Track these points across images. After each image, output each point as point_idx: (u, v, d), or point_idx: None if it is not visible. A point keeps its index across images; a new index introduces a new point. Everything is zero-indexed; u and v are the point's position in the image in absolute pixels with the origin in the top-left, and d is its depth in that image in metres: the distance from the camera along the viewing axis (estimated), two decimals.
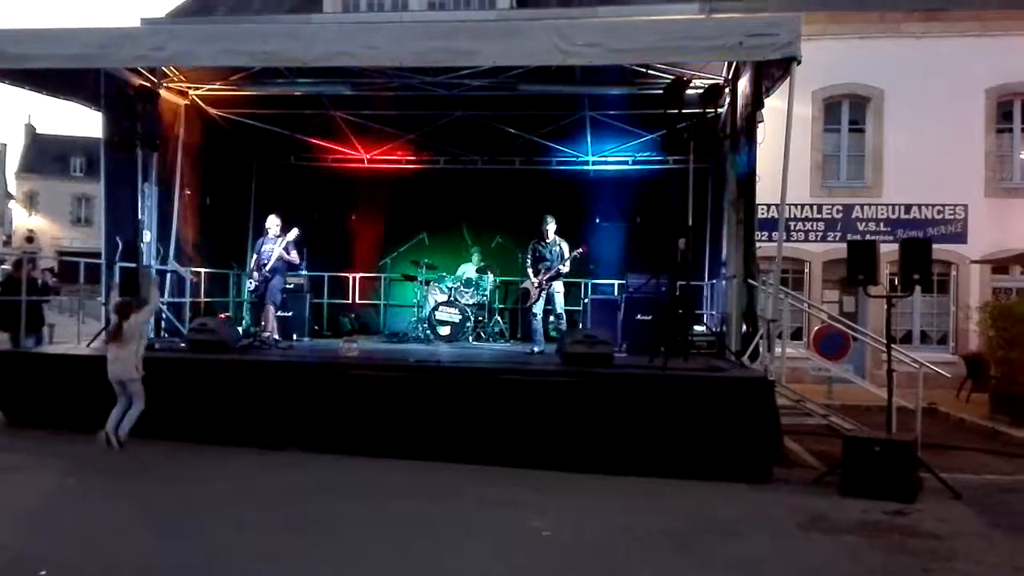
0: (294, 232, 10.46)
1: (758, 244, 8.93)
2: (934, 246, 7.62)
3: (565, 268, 10.39)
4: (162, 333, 10.67)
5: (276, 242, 10.44)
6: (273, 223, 10.61)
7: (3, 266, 11.90)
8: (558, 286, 10.48)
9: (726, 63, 9.41)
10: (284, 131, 12.57)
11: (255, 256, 10.71)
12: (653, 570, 4.89)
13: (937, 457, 7.67)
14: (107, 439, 6.91)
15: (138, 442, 6.98)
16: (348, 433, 7.77)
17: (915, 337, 15.20)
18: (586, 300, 12.18)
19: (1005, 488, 7.25)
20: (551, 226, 10.43)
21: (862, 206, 15.10)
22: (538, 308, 10.47)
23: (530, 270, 10.57)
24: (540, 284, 10.38)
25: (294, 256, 10.58)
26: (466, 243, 13.07)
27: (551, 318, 10.78)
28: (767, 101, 8.58)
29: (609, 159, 13.10)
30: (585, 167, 13.19)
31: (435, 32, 7.92)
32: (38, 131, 51.77)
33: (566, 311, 10.89)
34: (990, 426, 10.58)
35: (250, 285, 10.82)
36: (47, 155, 49.67)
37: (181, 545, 5.06)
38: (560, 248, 10.38)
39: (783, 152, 7.30)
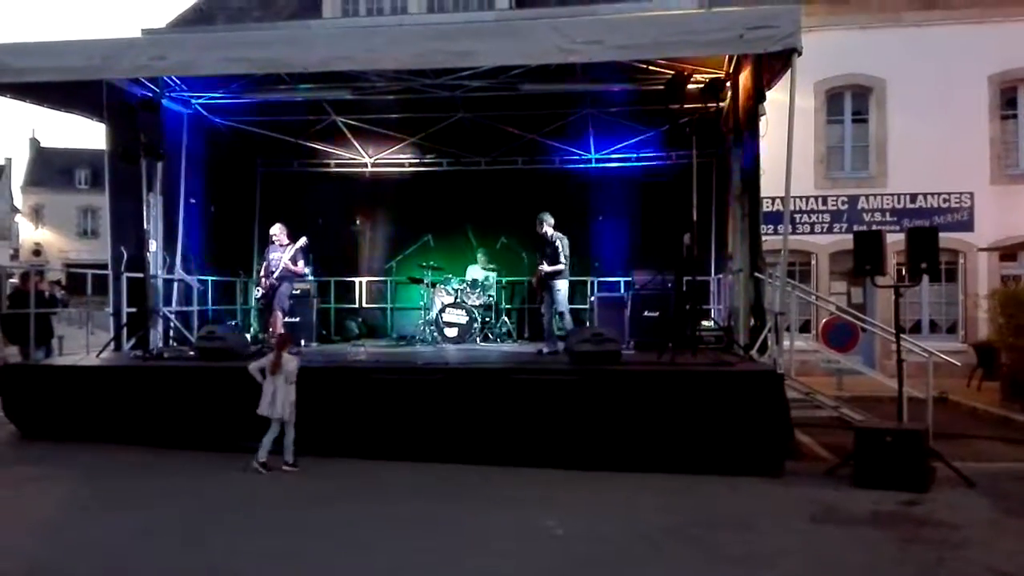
0: (302, 240, 10.49)
1: (764, 237, 8.90)
2: (941, 234, 7.62)
3: (549, 268, 9.88)
4: (170, 342, 10.70)
5: (283, 251, 10.47)
6: (277, 232, 10.65)
7: (11, 280, 11.91)
8: (559, 284, 10.03)
9: (727, 57, 9.39)
10: (287, 137, 12.63)
11: (264, 263, 10.75)
12: (667, 566, 4.89)
13: (949, 446, 7.62)
14: (258, 467, 6.95)
15: (148, 451, 7.01)
16: (356, 437, 7.78)
17: (924, 326, 15.15)
18: (592, 298, 12.16)
19: (1018, 476, 7.23)
20: (543, 222, 10.06)
21: (867, 197, 15.07)
22: (544, 307, 10.37)
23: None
24: (535, 283, 10.30)
25: (300, 267, 10.62)
26: (471, 244, 13.08)
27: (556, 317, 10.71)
28: (769, 94, 8.58)
29: (612, 156, 13.08)
30: (588, 165, 13.18)
31: (435, 33, 7.93)
32: (43, 144, 52.07)
33: (574, 309, 10.78)
34: (1002, 414, 10.54)
35: (257, 292, 10.86)
36: (52, 168, 49.97)
37: (192, 553, 5.07)
38: (554, 247, 9.92)
39: (786, 144, 7.29)
